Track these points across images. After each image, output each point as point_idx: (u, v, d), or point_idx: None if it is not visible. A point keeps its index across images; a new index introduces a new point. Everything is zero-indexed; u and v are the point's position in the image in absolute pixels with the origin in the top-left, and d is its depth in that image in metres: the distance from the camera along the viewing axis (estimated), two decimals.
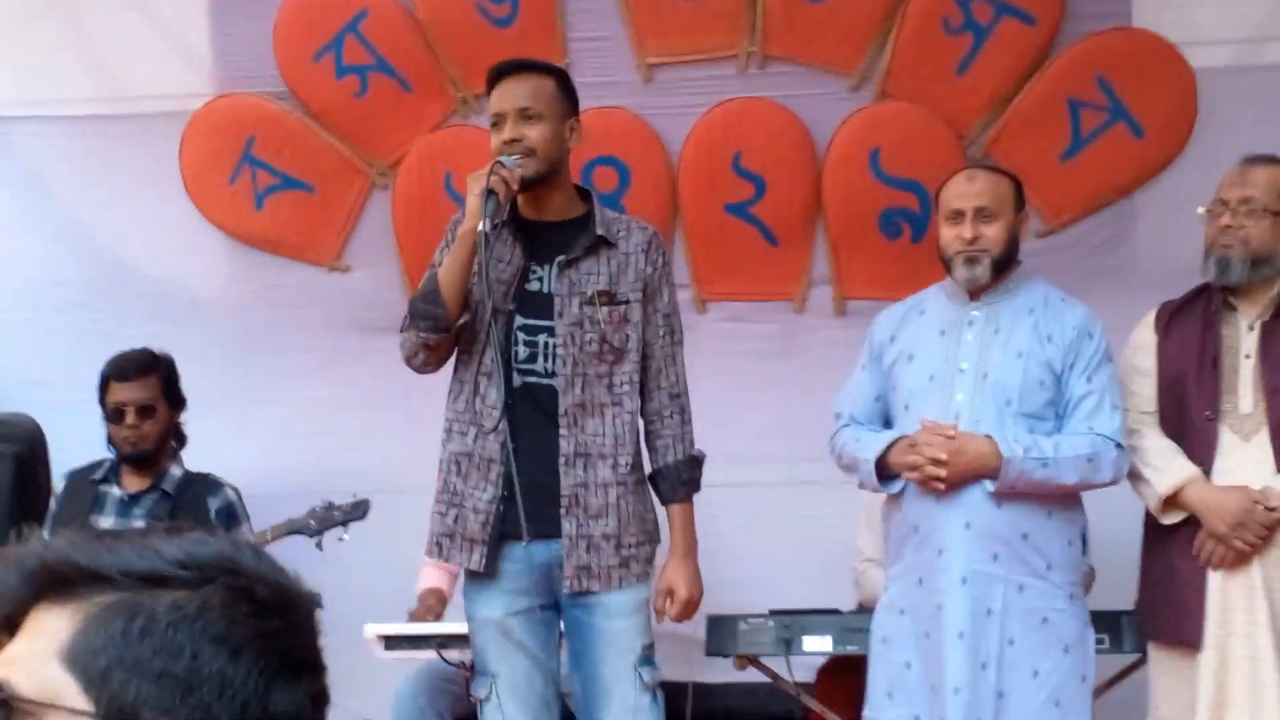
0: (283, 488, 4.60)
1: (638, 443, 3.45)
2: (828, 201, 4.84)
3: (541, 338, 3.38)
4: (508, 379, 3.36)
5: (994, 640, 3.45)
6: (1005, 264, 3.61)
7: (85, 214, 4.99)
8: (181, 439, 4.43)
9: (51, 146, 4.98)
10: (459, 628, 4.14)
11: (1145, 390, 3.67)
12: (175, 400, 4.40)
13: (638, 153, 4.86)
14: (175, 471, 4.37)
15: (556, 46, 4.86)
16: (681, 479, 3.49)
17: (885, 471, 3.60)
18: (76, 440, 4.55)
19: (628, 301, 3.41)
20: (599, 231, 3.41)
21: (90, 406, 4.57)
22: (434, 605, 4.42)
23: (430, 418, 4.79)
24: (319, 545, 4.06)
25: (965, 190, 3.62)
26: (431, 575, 4.49)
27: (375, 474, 4.65)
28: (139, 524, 4.22)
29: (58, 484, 4.46)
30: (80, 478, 4.40)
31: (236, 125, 4.96)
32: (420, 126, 4.95)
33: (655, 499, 3.53)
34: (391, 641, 4.00)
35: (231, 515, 4.35)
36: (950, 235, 3.61)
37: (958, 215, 3.59)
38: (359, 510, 4.15)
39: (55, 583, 1.01)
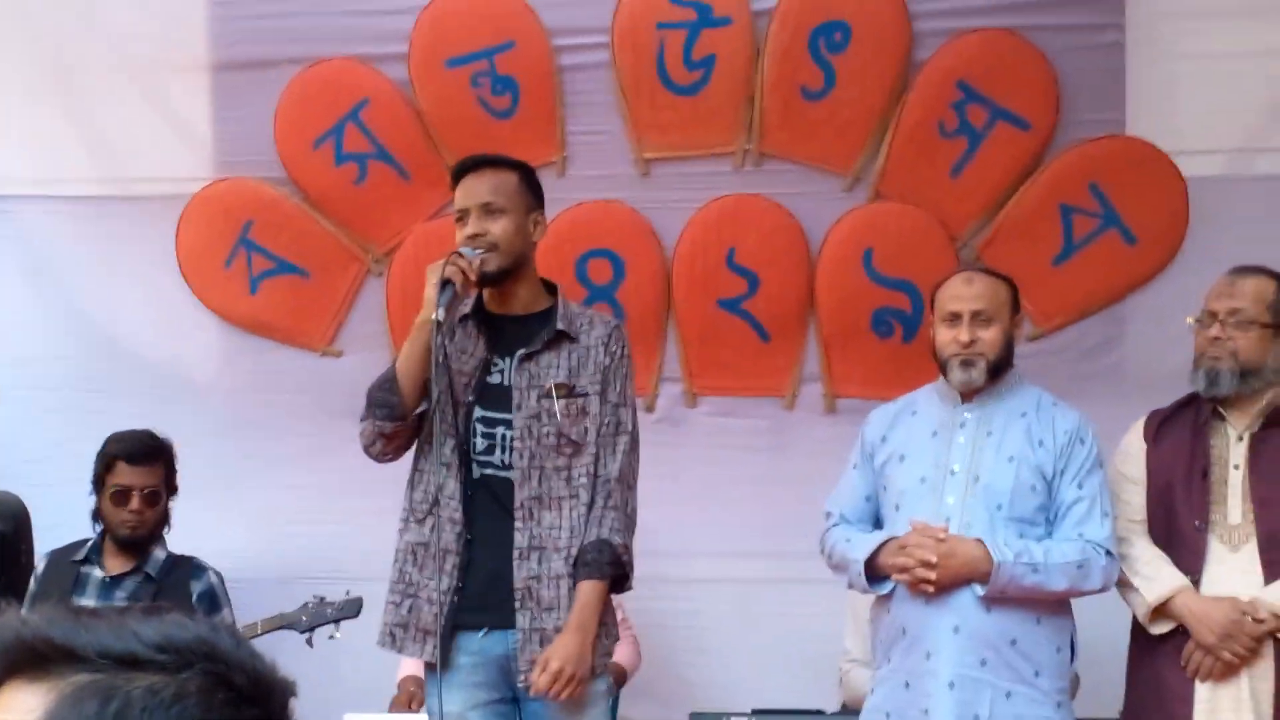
0: (269, 573, 4.59)
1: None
2: (820, 299, 4.86)
3: (499, 430, 3.40)
4: (466, 470, 3.37)
5: None
6: (1000, 367, 3.63)
7: (82, 292, 5.00)
8: (167, 523, 4.41)
9: (52, 225, 5.00)
10: None
11: (1134, 499, 3.67)
12: (172, 486, 4.41)
13: (632, 246, 4.89)
14: (159, 554, 4.35)
15: (555, 139, 4.91)
16: (586, 559, 3.40)
17: (874, 572, 3.58)
18: (61, 519, 4.54)
19: (586, 394, 3.42)
20: (560, 325, 3.44)
21: (76, 486, 4.56)
22: (415, 693, 4.39)
23: None
24: (309, 642, 4.05)
25: (963, 293, 3.63)
26: (410, 664, 4.45)
27: (362, 562, 4.59)
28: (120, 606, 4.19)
29: (39, 564, 4.43)
30: (61, 558, 4.38)
31: (235, 209, 4.99)
32: (417, 215, 4.98)
33: (614, 595, 3.49)
34: None
35: (214, 600, 4.33)
36: (947, 338, 3.62)
37: (954, 318, 3.61)
38: (351, 608, 4.13)
39: (30, 659, 1.00)
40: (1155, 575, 3.54)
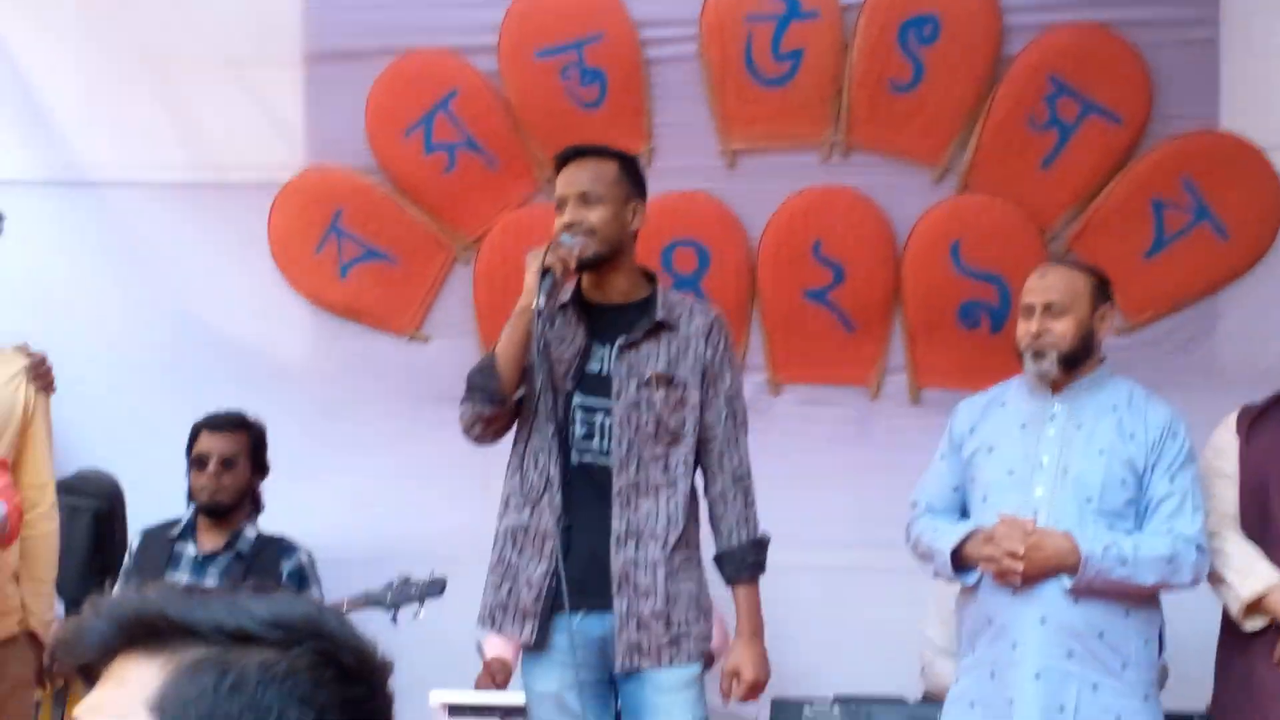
0: (357, 554, 4.63)
1: (689, 522, 3.46)
2: (907, 291, 4.85)
3: (599, 417, 3.42)
4: (565, 456, 3.41)
5: None
6: (1076, 359, 3.60)
7: (173, 277, 5.07)
8: (259, 505, 4.49)
9: (146, 211, 5.07)
10: (523, 698, 4.16)
11: (1227, 493, 3.64)
12: (259, 464, 4.48)
13: (718, 236, 4.90)
14: (250, 533, 4.43)
15: (642, 130, 4.93)
16: (746, 561, 3.49)
17: (961, 562, 3.58)
18: (154, 499, 4.61)
19: (685, 385, 3.44)
20: (660, 315, 3.45)
21: (169, 466, 4.65)
22: (499, 673, 4.43)
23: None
24: (394, 619, 4.09)
25: (1035, 285, 3.64)
26: (497, 644, 4.50)
27: (448, 544, 4.66)
28: (212, 583, 4.26)
29: (134, 541, 4.51)
30: (156, 534, 4.46)
31: (326, 197, 5.05)
32: (505, 204, 5.02)
33: (711, 578, 3.53)
34: (456, 710, 4.02)
35: (303, 578, 4.39)
36: (1021, 330, 3.64)
37: (1029, 310, 3.61)
38: (436, 587, 4.17)
39: (145, 633, 1.03)
40: (1249, 571, 3.51)
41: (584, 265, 3.42)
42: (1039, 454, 3.59)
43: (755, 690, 3.52)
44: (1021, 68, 4.78)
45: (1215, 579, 3.58)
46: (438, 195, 5.04)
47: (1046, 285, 3.62)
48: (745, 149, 4.94)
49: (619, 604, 3.36)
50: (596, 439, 3.42)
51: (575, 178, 3.48)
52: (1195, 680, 3.79)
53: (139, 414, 4.99)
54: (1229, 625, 3.60)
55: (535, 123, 4.98)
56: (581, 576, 3.34)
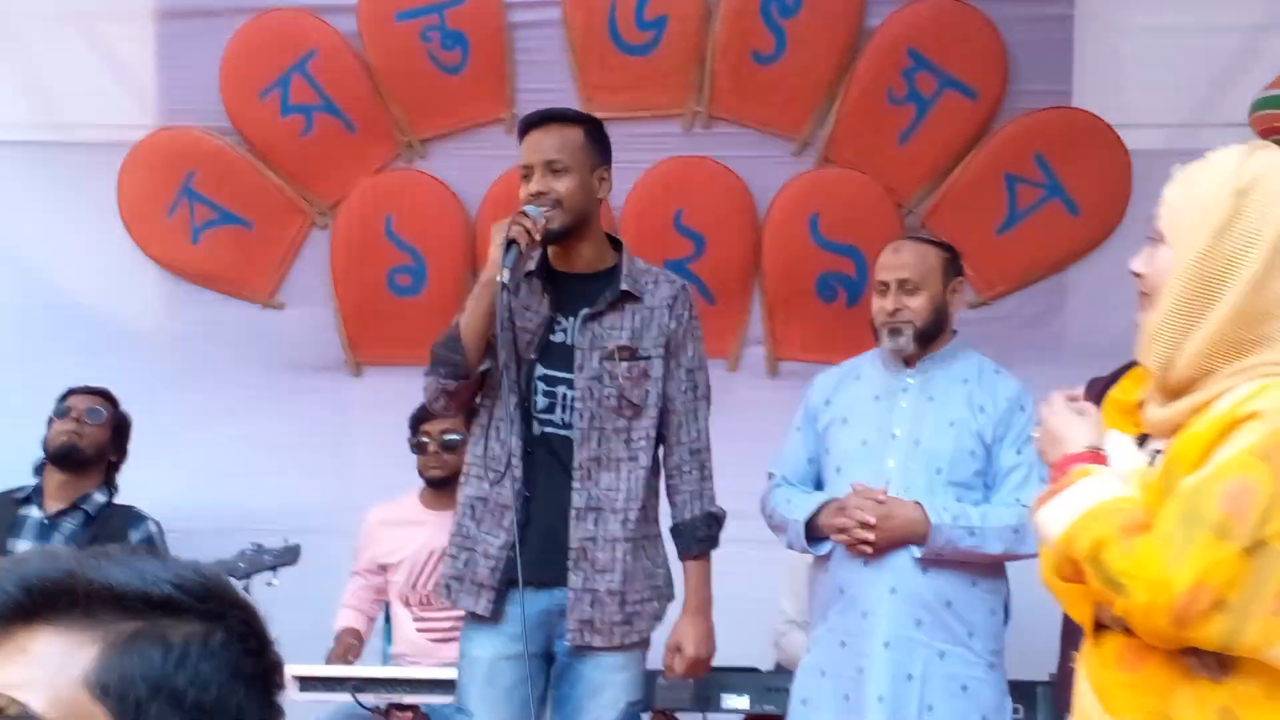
0: (207, 523, 4.58)
1: (650, 497, 3.44)
2: (766, 263, 4.88)
3: (561, 389, 3.38)
4: (527, 427, 3.36)
5: (913, 705, 3.46)
6: (930, 334, 3.65)
7: (20, 240, 4.95)
8: (113, 483, 4.41)
9: None
10: (376, 671, 4.12)
11: None
12: (120, 442, 4.44)
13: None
14: (99, 497, 4.35)
15: (504, 96, 4.89)
16: (697, 535, 3.46)
17: (814, 533, 3.61)
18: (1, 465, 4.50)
19: (649, 357, 3.40)
20: (624, 285, 3.41)
21: (12, 431, 4.54)
22: (352, 645, 4.38)
23: (358, 460, 4.83)
24: (247, 589, 4.02)
25: (890, 262, 3.67)
26: (348, 616, 4.46)
27: (301, 514, 4.61)
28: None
29: None
30: (0, 499, 4.35)
31: (177, 158, 4.95)
32: (364, 168, 4.96)
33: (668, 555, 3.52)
34: (307, 683, 3.95)
35: (152, 549, 4.30)
36: (876, 306, 3.66)
37: (883, 286, 3.65)
38: (289, 555, 4.12)
39: (51, 603, 0.98)
40: None
41: (551, 237, 3.36)
42: (891, 426, 3.63)
43: (696, 666, 3.47)
44: (881, 41, 4.82)
45: None
46: (294, 158, 4.96)
47: (901, 262, 3.65)
48: (608, 117, 4.83)
49: (574, 578, 3.32)
50: (558, 411, 3.37)
51: (541, 145, 3.41)
52: (1041, 651, 3.87)
53: None
54: None
55: (396, 86, 4.92)
56: (538, 551, 3.30)
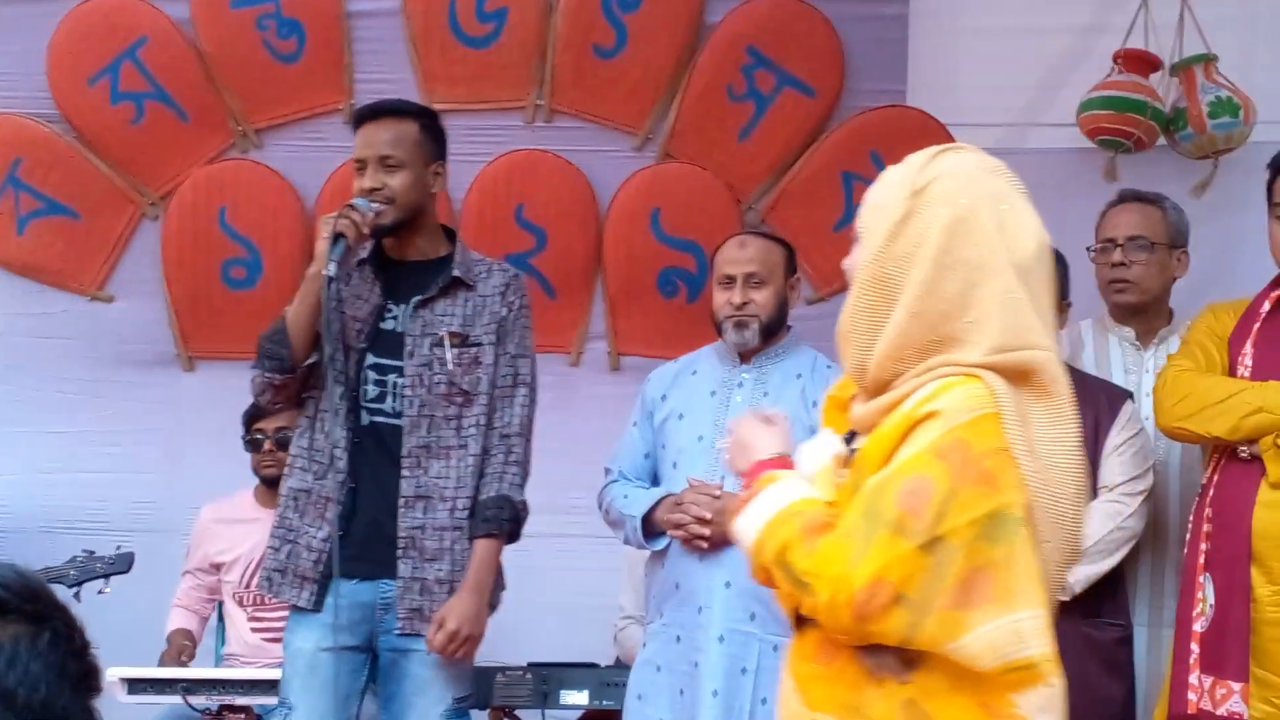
0: (34, 523, 4.50)
1: (478, 487, 3.41)
2: (608, 258, 4.89)
3: (391, 377, 3.35)
4: (355, 418, 3.33)
5: (747, 698, 3.48)
6: (774, 328, 3.68)
7: None
8: None
9: None
10: (206, 672, 4.05)
11: None
12: None
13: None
14: None
15: (343, 86, 4.84)
16: (485, 515, 3.40)
17: (651, 529, 3.62)
18: None
19: (480, 344, 3.38)
20: (456, 272, 3.39)
21: None
22: (185, 646, 4.30)
23: (191, 457, 4.74)
24: (77, 596, 3.93)
25: (737, 256, 3.69)
26: (180, 617, 4.37)
27: (132, 513, 4.54)
28: None
29: None
30: None
31: (3, 146, 4.83)
32: (196, 158, 4.87)
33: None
34: (136, 685, 3.87)
35: None
36: (721, 300, 3.68)
37: (729, 280, 3.66)
38: (122, 563, 4.04)
39: None
40: None
41: (382, 231, 3.33)
42: (727, 420, 3.64)
43: (456, 641, 3.31)
44: (721, 38, 4.85)
45: None
46: (125, 147, 4.85)
47: (749, 256, 3.67)
48: (448, 109, 4.82)
49: (403, 567, 3.29)
50: (389, 399, 3.34)
51: (374, 139, 3.36)
52: None
53: None
54: None
55: (230, 75, 4.83)
56: (363, 541, 3.27)
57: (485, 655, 4.06)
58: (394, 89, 4.81)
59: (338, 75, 4.84)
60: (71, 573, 4.02)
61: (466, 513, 3.36)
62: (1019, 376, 2.03)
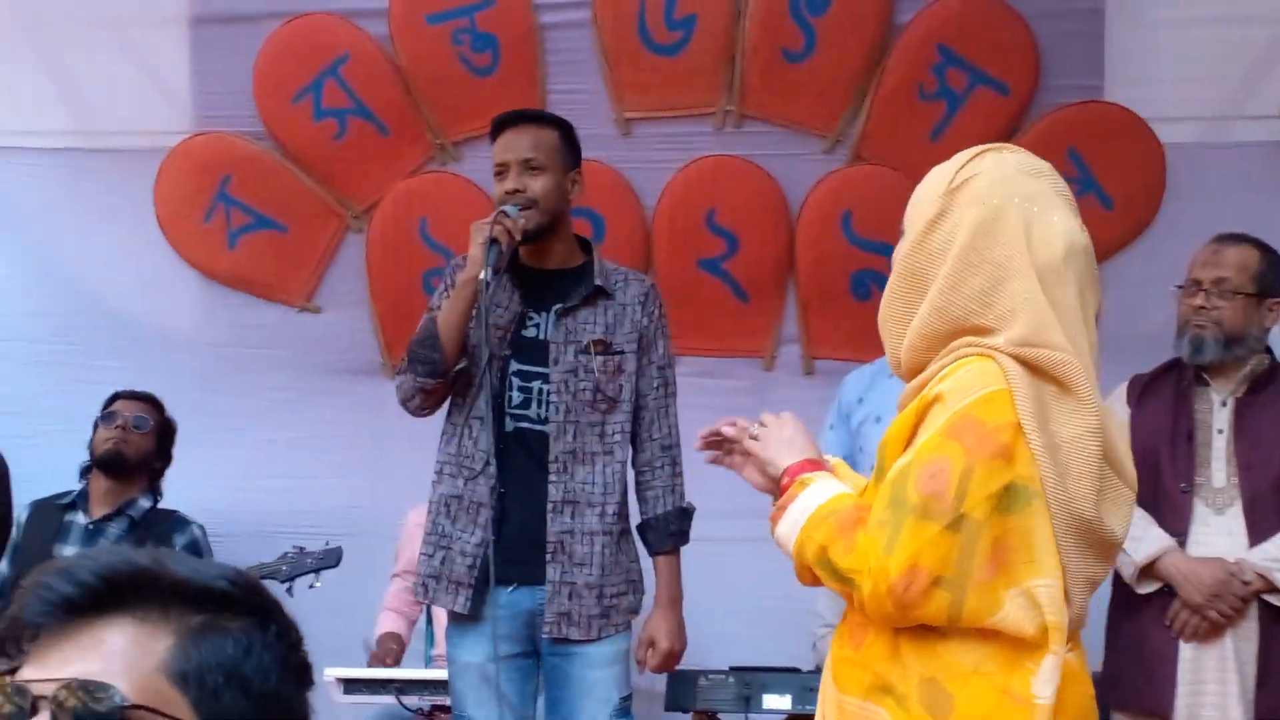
0: (247, 527, 4.61)
1: (625, 492, 3.46)
2: (799, 261, 4.89)
3: (536, 384, 3.41)
4: (500, 424, 3.39)
5: None
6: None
7: (58, 247, 4.97)
8: (157, 490, 4.43)
9: (27, 178, 4.96)
10: (419, 673, 4.15)
11: None
12: (164, 448, 4.44)
13: (613, 205, 4.89)
14: (144, 503, 4.38)
15: (536, 97, 4.90)
16: (669, 530, 3.50)
17: None
18: (36, 472, 4.55)
19: (622, 352, 3.43)
20: (597, 281, 3.45)
21: (51, 439, 4.58)
22: (392, 649, 4.41)
23: (396, 462, 4.84)
24: (289, 591, 4.05)
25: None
26: (389, 619, 4.48)
27: (340, 517, 4.66)
28: None
29: (21, 514, 4.43)
30: (45, 506, 4.40)
31: (213, 163, 4.97)
32: (397, 171, 4.98)
33: (640, 550, 3.54)
34: (350, 685, 3.99)
35: (196, 553, 4.32)
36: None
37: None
38: (331, 557, 4.14)
39: (118, 596, 1.02)
40: (1143, 536, 3.57)
41: (526, 237, 3.39)
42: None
43: (670, 660, 3.51)
44: (911, 38, 4.81)
45: None
46: (328, 162, 4.98)
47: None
48: (639, 117, 4.93)
49: (551, 571, 3.35)
50: (533, 406, 3.41)
51: (516, 144, 3.45)
52: (1085, 643, 3.86)
53: (23, 385, 4.90)
54: (1120, 589, 3.67)
55: (428, 89, 4.93)
56: (515, 547, 3.33)
57: (686, 659, 4.11)
58: (585, 99, 4.90)
59: (531, 87, 4.92)
60: (284, 568, 4.13)
61: (615, 518, 3.41)
62: (1037, 371, 2.06)
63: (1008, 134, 4.78)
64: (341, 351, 4.97)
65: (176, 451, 4.49)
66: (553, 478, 3.38)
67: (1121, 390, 3.77)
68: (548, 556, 3.36)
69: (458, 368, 3.40)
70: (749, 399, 4.88)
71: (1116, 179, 4.75)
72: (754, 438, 2.42)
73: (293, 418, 4.92)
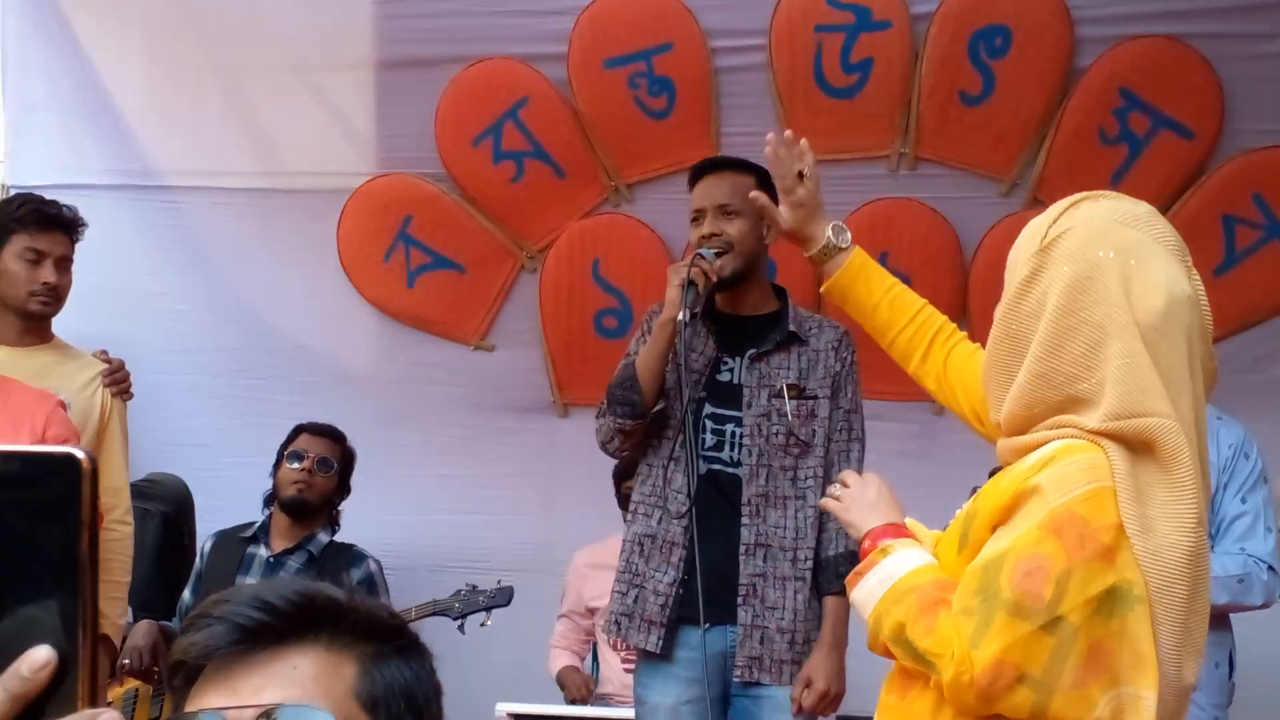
0: (421, 561, 4.69)
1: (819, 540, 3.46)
2: (972, 305, 4.83)
3: (729, 427, 3.42)
4: (694, 465, 3.40)
5: None
6: None
7: (244, 283, 5.13)
8: (336, 522, 4.53)
9: (217, 217, 5.14)
10: (590, 711, 4.17)
11: None
12: (345, 481, 4.53)
13: (786, 248, 4.86)
14: (323, 537, 4.46)
15: (710, 140, 4.94)
16: (839, 572, 3.45)
17: None
18: (221, 503, 4.67)
19: (816, 397, 3.44)
20: (791, 327, 3.46)
21: (236, 470, 4.70)
22: (588, 678, 4.44)
23: (566, 500, 4.89)
24: (461, 628, 4.12)
25: None
26: (564, 657, 4.51)
27: (510, 553, 4.71)
28: None
29: (205, 543, 4.55)
30: (229, 537, 4.50)
31: (394, 204, 5.08)
32: (572, 212, 5.05)
33: None
34: None
35: (372, 587, 4.41)
36: None
37: None
38: (503, 596, 4.20)
39: (302, 626, 1.08)
40: None
41: (722, 282, 3.43)
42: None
43: (825, 701, 3.47)
44: (1092, 80, 4.75)
45: None
46: (505, 204, 5.06)
47: None
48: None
49: (743, 614, 3.35)
50: (726, 449, 3.42)
51: (714, 190, 3.50)
52: (1266, 701, 3.75)
53: (207, 417, 5.05)
54: None
55: (604, 132, 5.00)
56: (708, 588, 3.33)
57: (854, 705, 4.08)
58: (759, 141, 4.84)
59: (705, 130, 4.95)
60: (456, 605, 4.20)
61: (809, 564, 3.38)
62: (1140, 445, 1.94)
63: (1191, 178, 4.70)
64: (514, 390, 5.04)
65: (354, 484, 4.58)
66: (745, 520, 3.38)
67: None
68: (739, 599, 3.36)
69: (655, 409, 3.43)
70: (918, 443, 4.85)
71: None
72: (836, 498, 2.37)
73: (466, 455, 4.99)
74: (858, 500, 2.33)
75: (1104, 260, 2.01)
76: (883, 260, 4.81)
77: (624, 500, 4.48)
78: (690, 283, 3.31)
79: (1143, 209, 2.12)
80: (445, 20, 5.03)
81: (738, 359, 3.46)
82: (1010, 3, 4.76)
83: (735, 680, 3.36)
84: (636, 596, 3.44)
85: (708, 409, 3.43)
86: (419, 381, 5.08)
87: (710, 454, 3.42)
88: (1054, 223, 2.10)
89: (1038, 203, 4.80)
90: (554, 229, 5.05)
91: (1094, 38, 4.75)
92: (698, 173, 3.56)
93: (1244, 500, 3.49)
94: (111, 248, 4.84)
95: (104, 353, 3.95)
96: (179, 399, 4.98)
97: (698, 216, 3.48)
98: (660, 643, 3.37)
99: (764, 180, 3.53)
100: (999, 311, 2.12)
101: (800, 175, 2.81)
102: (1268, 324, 4.69)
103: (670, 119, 4.97)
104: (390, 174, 5.10)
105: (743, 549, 3.37)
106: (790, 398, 3.40)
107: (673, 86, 4.94)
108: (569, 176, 5.02)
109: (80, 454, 0.79)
